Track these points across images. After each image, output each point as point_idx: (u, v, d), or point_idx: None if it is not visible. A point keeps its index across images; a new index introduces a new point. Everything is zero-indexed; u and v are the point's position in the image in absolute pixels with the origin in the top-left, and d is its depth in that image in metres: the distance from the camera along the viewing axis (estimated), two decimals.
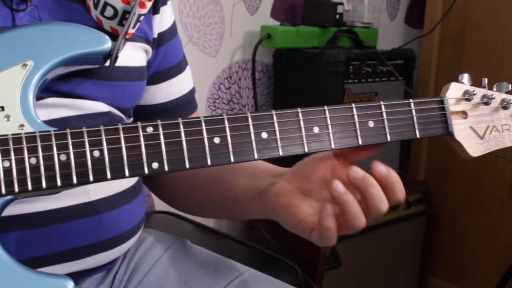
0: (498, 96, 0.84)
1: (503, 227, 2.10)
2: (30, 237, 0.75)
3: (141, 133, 0.68)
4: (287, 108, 0.74)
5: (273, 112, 0.73)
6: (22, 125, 0.68)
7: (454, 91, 0.82)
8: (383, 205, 0.73)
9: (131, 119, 0.90)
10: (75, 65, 0.75)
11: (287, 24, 1.86)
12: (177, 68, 0.97)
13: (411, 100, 0.79)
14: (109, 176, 0.67)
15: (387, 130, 0.77)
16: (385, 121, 0.77)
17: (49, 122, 0.71)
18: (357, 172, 0.73)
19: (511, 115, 0.84)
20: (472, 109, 0.82)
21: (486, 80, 0.84)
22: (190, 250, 0.97)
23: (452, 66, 2.17)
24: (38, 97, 0.72)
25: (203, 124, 0.70)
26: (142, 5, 0.77)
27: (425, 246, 2.14)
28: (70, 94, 0.78)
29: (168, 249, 0.96)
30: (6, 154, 0.64)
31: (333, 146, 0.75)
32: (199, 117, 0.71)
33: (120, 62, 0.78)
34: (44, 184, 0.65)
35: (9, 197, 0.66)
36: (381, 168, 0.73)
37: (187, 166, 0.69)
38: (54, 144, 0.66)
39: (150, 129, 0.69)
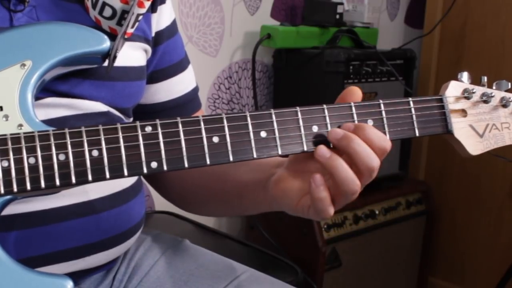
0: (498, 94, 0.83)
1: (503, 227, 2.10)
2: (29, 237, 0.74)
3: (139, 133, 0.68)
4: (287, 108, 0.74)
5: (272, 111, 0.73)
6: (20, 125, 0.68)
7: (453, 90, 0.82)
8: (372, 160, 0.71)
9: (131, 119, 0.90)
10: (73, 65, 0.75)
11: (287, 24, 1.85)
12: (178, 66, 0.97)
13: (410, 99, 0.78)
14: (108, 175, 0.67)
15: (387, 129, 0.76)
16: (384, 119, 0.77)
17: (48, 122, 0.71)
18: (336, 132, 0.72)
19: (510, 113, 0.84)
20: (471, 107, 0.82)
21: (485, 78, 0.83)
22: (190, 250, 0.97)
23: (452, 66, 2.17)
24: (37, 97, 0.72)
25: (202, 123, 0.70)
26: (140, 5, 0.77)
27: (425, 246, 2.14)
28: (69, 94, 0.78)
29: (168, 249, 0.95)
30: (4, 154, 0.64)
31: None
32: (197, 116, 0.71)
33: (119, 62, 0.77)
34: (43, 184, 0.65)
35: (8, 197, 0.66)
36: (346, 126, 0.72)
37: (186, 165, 0.69)
38: (53, 144, 0.66)
39: (149, 129, 0.69)
